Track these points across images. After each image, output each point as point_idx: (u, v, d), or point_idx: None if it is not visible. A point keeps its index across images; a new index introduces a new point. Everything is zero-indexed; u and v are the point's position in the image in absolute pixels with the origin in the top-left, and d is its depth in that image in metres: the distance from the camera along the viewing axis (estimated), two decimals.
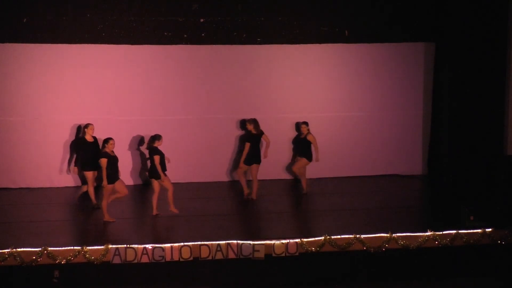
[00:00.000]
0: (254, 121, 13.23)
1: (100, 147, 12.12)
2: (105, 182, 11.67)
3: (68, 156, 13.97)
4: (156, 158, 11.89)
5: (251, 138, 13.16)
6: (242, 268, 10.61)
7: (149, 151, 12.12)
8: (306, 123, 13.61)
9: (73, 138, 13.98)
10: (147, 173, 13.02)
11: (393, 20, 14.52)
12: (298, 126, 14.23)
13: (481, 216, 11.43)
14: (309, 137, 13.50)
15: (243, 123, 13.99)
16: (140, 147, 14.15)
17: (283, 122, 14.57)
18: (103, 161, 11.67)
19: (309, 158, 13.54)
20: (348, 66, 14.82)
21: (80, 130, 13.58)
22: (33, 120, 13.99)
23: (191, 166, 14.44)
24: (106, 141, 11.80)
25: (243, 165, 13.18)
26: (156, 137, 12.06)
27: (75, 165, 13.14)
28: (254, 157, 13.11)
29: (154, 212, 12.05)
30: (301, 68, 14.67)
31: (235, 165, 14.44)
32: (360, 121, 14.98)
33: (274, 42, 14.39)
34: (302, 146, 13.73)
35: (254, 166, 13.12)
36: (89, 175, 12.64)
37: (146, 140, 13.19)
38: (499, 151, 12.20)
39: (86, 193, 12.80)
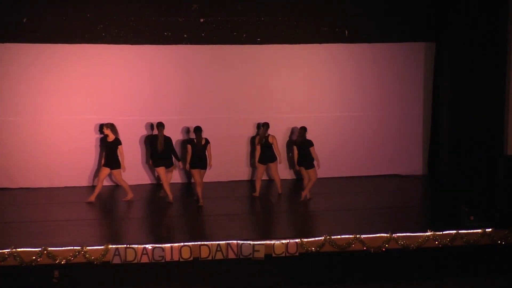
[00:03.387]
0: (111, 125, 13.03)
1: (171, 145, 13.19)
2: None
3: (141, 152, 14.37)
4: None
5: (105, 142, 12.99)
6: (242, 268, 10.61)
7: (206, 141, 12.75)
8: (263, 124, 13.35)
9: (71, 137, 14.01)
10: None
11: (393, 20, 14.53)
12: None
13: (481, 216, 11.44)
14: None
15: (100, 127, 13.79)
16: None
17: (283, 122, 14.56)
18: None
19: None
20: (348, 66, 14.82)
21: (153, 127, 13.81)
22: (33, 120, 13.98)
23: None
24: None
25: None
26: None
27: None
28: (113, 163, 12.87)
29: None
30: (301, 68, 14.67)
31: (233, 165, 14.52)
32: (360, 121, 14.98)
33: (274, 42, 14.40)
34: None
35: (115, 171, 12.91)
36: (161, 170, 13.01)
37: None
38: (499, 151, 12.16)
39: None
